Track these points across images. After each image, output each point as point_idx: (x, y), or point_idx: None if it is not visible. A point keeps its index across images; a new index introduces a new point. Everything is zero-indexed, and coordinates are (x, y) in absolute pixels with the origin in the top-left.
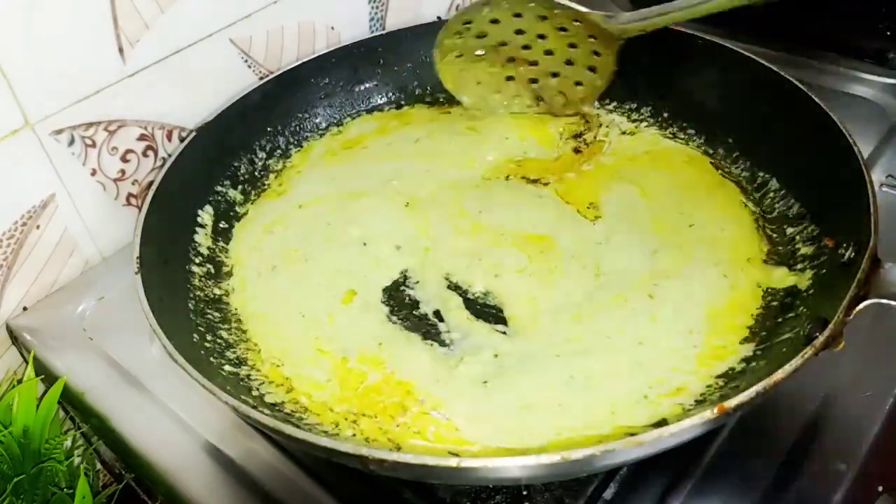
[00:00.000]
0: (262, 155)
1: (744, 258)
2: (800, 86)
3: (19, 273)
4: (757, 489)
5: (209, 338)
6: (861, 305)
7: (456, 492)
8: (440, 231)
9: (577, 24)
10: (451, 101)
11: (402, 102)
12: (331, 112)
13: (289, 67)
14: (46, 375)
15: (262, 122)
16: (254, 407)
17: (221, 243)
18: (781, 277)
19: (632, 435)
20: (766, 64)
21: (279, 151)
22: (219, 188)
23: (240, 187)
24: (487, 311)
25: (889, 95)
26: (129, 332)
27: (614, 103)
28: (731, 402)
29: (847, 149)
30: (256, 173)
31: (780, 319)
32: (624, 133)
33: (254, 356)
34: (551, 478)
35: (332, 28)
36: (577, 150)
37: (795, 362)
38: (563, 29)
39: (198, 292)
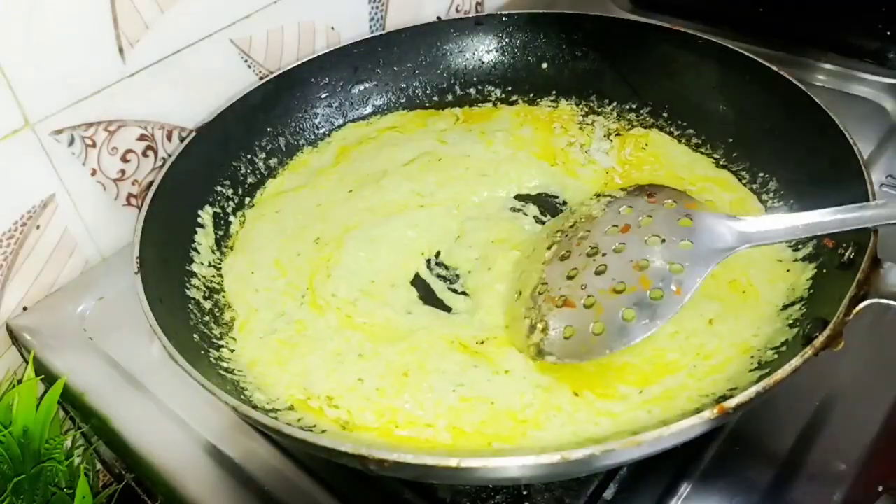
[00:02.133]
0: (262, 155)
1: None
2: (800, 86)
3: (19, 273)
4: (757, 489)
5: None
6: (861, 305)
7: (456, 492)
8: None
9: None
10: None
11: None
12: (330, 112)
13: (289, 67)
14: (46, 375)
15: (262, 122)
16: (254, 407)
17: (222, 243)
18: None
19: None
20: (766, 64)
21: (280, 153)
22: (219, 188)
23: (240, 187)
24: None
25: (889, 95)
26: (129, 332)
27: (614, 103)
28: (731, 402)
29: (847, 149)
30: (257, 173)
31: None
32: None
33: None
34: (551, 478)
35: (332, 28)
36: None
37: (795, 362)
38: None
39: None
